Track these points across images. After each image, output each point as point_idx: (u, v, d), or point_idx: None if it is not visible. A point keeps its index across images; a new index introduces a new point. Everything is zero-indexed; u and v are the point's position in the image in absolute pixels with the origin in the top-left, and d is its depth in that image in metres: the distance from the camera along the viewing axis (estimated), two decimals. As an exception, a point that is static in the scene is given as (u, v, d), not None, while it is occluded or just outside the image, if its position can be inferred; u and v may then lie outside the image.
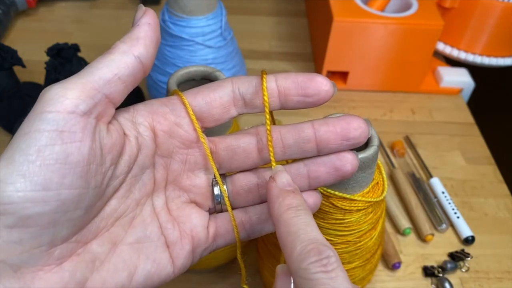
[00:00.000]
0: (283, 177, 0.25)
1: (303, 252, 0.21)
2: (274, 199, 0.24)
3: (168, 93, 0.36)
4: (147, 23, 0.24)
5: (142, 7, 0.25)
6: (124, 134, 0.24)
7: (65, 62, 0.53)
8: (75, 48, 0.53)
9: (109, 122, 0.24)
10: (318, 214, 0.33)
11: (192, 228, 0.27)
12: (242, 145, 0.27)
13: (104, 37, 0.70)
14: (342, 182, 0.31)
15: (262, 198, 0.28)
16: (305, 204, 0.24)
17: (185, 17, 0.48)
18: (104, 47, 0.78)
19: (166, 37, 0.50)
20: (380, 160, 0.52)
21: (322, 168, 0.26)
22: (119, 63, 0.23)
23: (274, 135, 0.26)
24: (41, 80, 0.55)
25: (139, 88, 0.59)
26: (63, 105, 0.21)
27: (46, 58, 0.52)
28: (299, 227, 0.22)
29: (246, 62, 0.58)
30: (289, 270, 0.22)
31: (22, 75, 0.59)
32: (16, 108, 0.55)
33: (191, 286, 0.44)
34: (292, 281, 0.23)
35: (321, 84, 0.25)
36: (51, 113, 0.21)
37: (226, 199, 0.27)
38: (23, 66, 0.55)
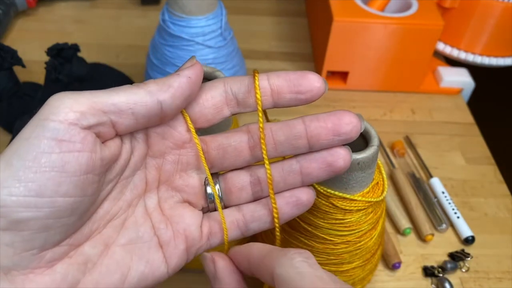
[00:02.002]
0: None
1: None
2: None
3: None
4: (187, 76, 0.24)
5: (193, 59, 0.25)
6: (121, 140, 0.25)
7: (65, 62, 0.53)
8: (75, 48, 0.53)
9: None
10: (318, 214, 0.33)
11: (186, 227, 0.27)
12: (233, 143, 0.27)
13: (104, 37, 0.70)
14: (342, 182, 0.31)
15: (255, 196, 0.28)
16: None
17: (185, 17, 0.48)
18: (104, 47, 0.78)
19: (166, 37, 0.50)
20: (380, 160, 0.52)
21: (314, 164, 0.26)
22: (139, 100, 0.23)
23: (265, 133, 0.26)
24: (41, 80, 0.55)
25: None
26: (67, 116, 0.21)
27: (46, 58, 0.52)
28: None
29: (246, 62, 0.58)
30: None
31: (22, 75, 0.59)
32: (16, 108, 0.55)
33: (189, 286, 0.44)
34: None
35: (313, 81, 0.25)
36: (53, 121, 0.21)
37: (217, 201, 0.27)
38: (23, 66, 0.55)
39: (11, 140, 0.50)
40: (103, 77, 0.58)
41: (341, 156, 0.26)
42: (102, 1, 0.77)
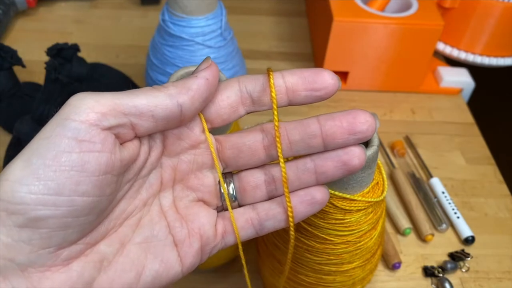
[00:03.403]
0: None
1: None
2: None
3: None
4: (205, 78, 0.24)
5: (209, 60, 0.25)
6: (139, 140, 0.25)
7: (65, 62, 0.53)
8: (75, 48, 0.53)
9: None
10: (318, 214, 0.33)
11: (200, 226, 0.27)
12: (248, 142, 0.27)
13: (104, 37, 0.70)
14: (342, 182, 0.31)
15: (270, 194, 0.28)
16: None
17: (185, 17, 0.48)
18: (104, 47, 0.79)
19: (166, 37, 0.50)
20: (380, 160, 0.52)
21: (329, 163, 0.26)
22: (159, 103, 0.23)
23: (280, 131, 0.26)
24: (41, 80, 0.55)
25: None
26: (88, 116, 0.21)
27: (46, 58, 0.52)
28: None
29: (246, 62, 0.58)
30: None
31: (22, 75, 0.59)
32: (16, 108, 0.55)
33: (191, 286, 0.44)
34: None
35: (328, 78, 0.25)
36: (74, 121, 0.21)
37: (227, 200, 0.27)
38: (23, 66, 0.55)
39: (10, 141, 0.50)
40: (103, 77, 0.58)
41: (356, 155, 0.26)
42: (102, 1, 0.77)
